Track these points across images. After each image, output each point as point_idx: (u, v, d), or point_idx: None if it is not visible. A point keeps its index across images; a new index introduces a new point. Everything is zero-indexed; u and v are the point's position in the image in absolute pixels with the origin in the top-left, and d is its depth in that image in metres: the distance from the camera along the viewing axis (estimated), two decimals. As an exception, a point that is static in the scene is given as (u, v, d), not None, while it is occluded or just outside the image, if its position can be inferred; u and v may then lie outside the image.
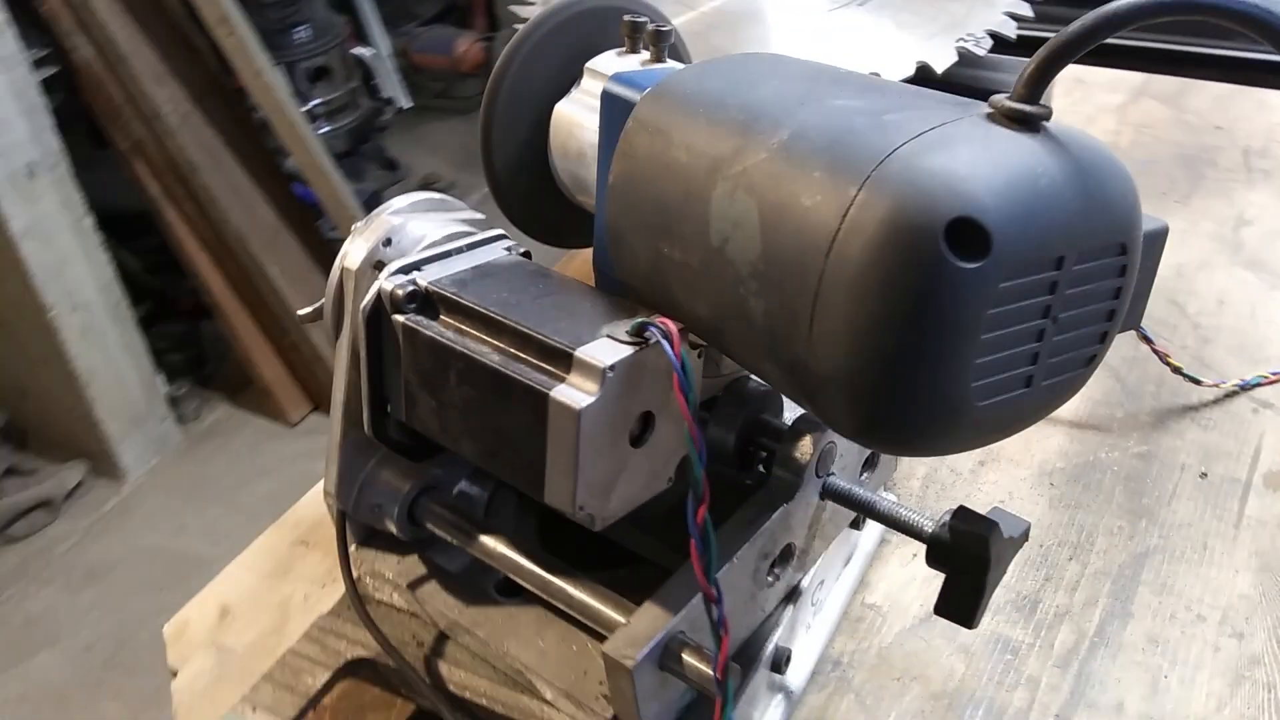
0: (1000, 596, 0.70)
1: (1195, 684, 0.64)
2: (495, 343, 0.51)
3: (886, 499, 0.59)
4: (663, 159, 0.49)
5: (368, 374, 0.55)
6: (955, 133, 0.42)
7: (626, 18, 0.60)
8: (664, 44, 0.59)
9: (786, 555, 0.61)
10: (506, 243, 0.59)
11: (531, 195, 0.63)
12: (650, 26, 0.59)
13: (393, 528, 0.64)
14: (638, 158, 0.50)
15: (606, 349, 0.49)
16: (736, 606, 0.58)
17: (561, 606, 0.58)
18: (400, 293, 0.53)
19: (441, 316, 0.53)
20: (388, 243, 0.56)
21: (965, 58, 0.78)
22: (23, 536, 2.27)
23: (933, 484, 0.78)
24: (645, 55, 0.60)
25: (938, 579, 0.66)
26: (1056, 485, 0.77)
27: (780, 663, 0.61)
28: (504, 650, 0.60)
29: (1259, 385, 0.83)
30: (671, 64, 0.59)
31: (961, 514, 0.56)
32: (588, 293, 0.55)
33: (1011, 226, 0.40)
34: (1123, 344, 0.87)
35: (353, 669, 0.63)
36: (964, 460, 0.80)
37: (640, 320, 0.49)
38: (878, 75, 0.55)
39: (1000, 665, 0.66)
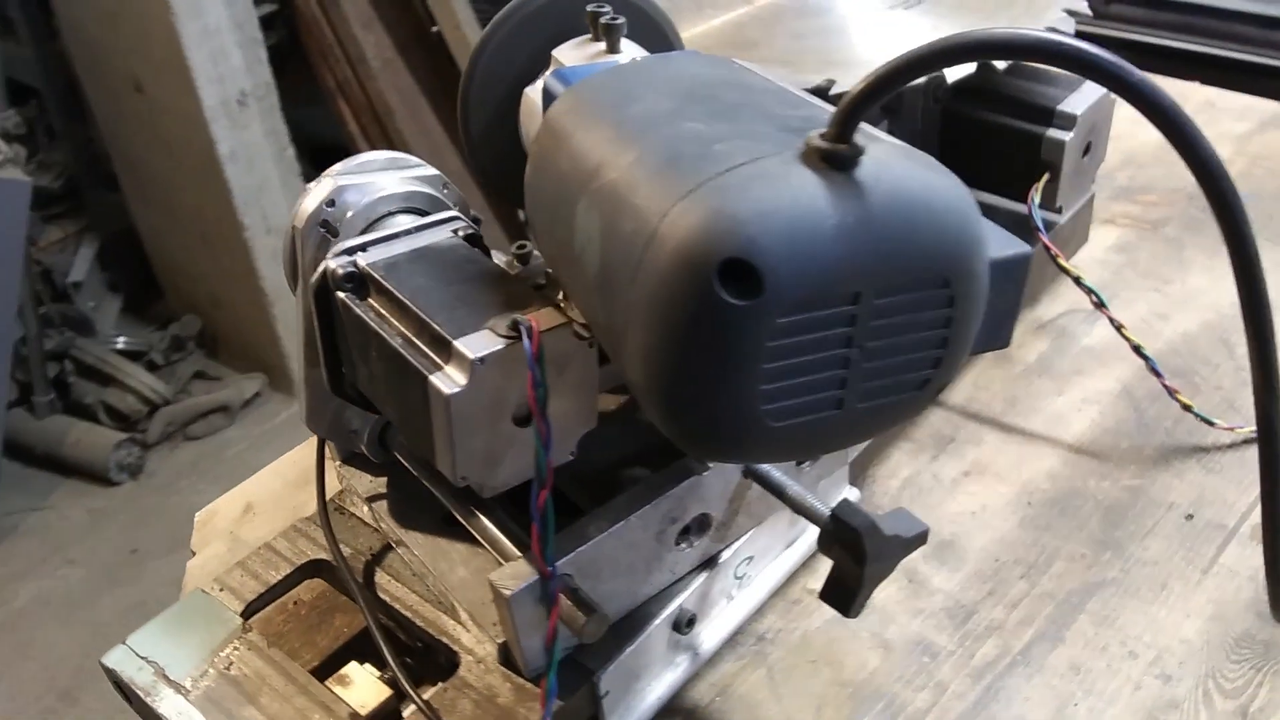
0: (936, 601, 0.71)
1: (1103, 717, 0.64)
2: (401, 327, 0.57)
3: (794, 486, 0.62)
4: (554, 163, 0.53)
5: (321, 340, 0.62)
6: (756, 171, 0.44)
7: (590, 7, 0.64)
8: (614, 37, 0.63)
9: (703, 525, 0.65)
10: (458, 224, 0.63)
11: (502, 165, 0.68)
12: (603, 19, 0.62)
13: (366, 451, 0.71)
14: (541, 157, 0.54)
15: (482, 341, 0.53)
16: (637, 563, 0.62)
17: (479, 538, 0.64)
18: (340, 272, 0.59)
19: (369, 298, 0.59)
20: (331, 203, 0.61)
21: (1010, 66, 0.78)
22: (200, 436, 2.49)
23: (911, 487, 0.79)
24: (602, 46, 0.63)
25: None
26: (1034, 505, 0.77)
27: (682, 623, 0.65)
28: (433, 570, 0.66)
29: (1282, 436, 0.80)
30: (620, 56, 0.63)
31: (844, 507, 0.58)
32: (501, 283, 0.59)
33: (787, 268, 0.42)
34: (1147, 379, 0.85)
35: (316, 569, 0.71)
36: (948, 469, 0.80)
37: (515, 317, 0.54)
38: (779, 86, 0.56)
39: (915, 666, 0.67)
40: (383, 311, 0.58)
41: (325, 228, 0.61)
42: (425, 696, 0.61)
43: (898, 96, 0.87)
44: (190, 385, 2.62)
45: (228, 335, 2.69)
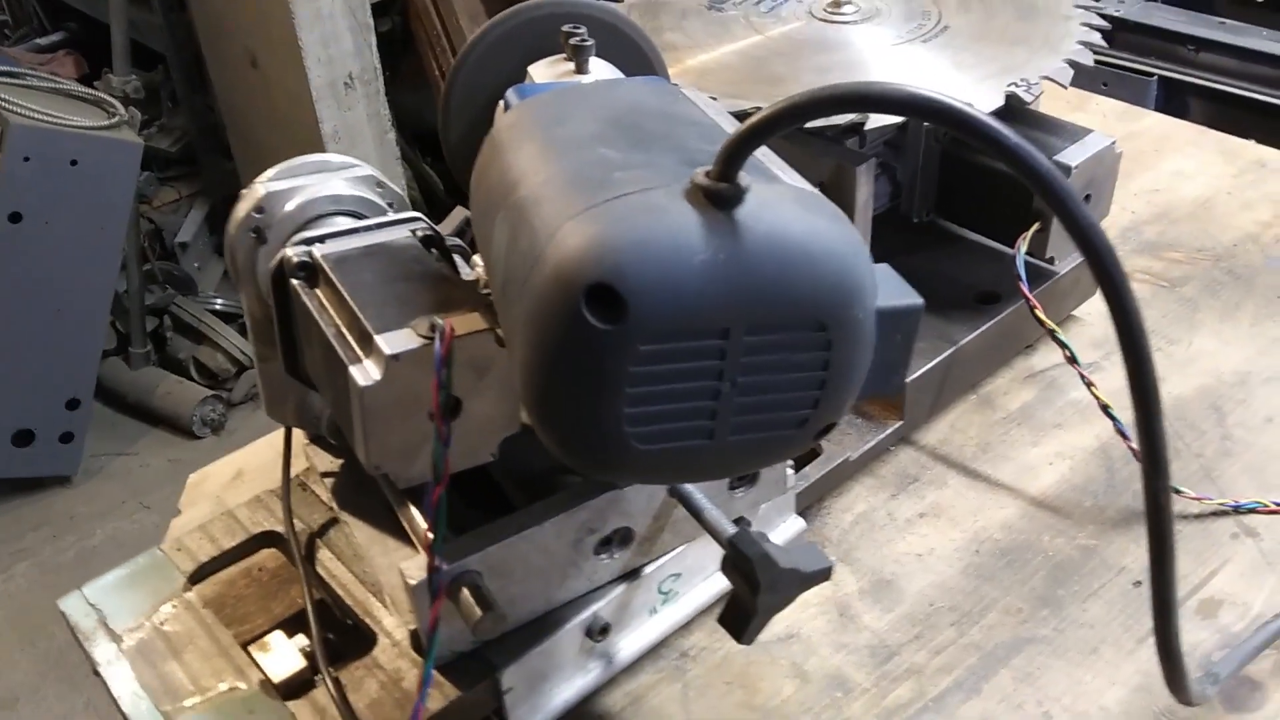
0: (862, 638, 0.71)
1: (1001, 773, 0.63)
2: (337, 318, 0.60)
3: (711, 510, 0.63)
4: (487, 175, 0.55)
5: (279, 323, 0.65)
6: (640, 202, 0.45)
7: (565, 28, 0.66)
8: (582, 57, 0.65)
9: (625, 538, 0.66)
10: (418, 225, 0.66)
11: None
12: (573, 40, 0.65)
13: (325, 434, 0.74)
14: (480, 168, 0.56)
15: (401, 339, 0.56)
16: (551, 567, 0.64)
17: (405, 526, 0.67)
18: (295, 260, 0.62)
19: (318, 287, 0.62)
20: (259, 210, 0.65)
21: (1015, 107, 0.77)
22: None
23: (864, 523, 0.79)
24: (571, 66, 0.66)
25: (815, 605, 0.70)
26: (981, 554, 0.76)
27: (595, 630, 0.67)
28: (366, 553, 0.69)
29: (1253, 511, 0.78)
30: (587, 76, 0.65)
31: (743, 535, 0.59)
32: (442, 286, 0.62)
33: (652, 297, 0.43)
34: (1130, 438, 0.83)
35: (270, 540, 0.75)
36: (905, 508, 0.80)
37: (434, 319, 0.56)
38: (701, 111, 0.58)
39: (827, 700, 0.68)
40: (325, 302, 0.62)
41: (256, 234, 0.64)
42: (336, 673, 0.64)
43: (900, 134, 0.87)
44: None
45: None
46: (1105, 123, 1.24)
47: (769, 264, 0.46)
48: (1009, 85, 0.75)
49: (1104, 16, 0.85)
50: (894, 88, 0.45)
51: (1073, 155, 0.80)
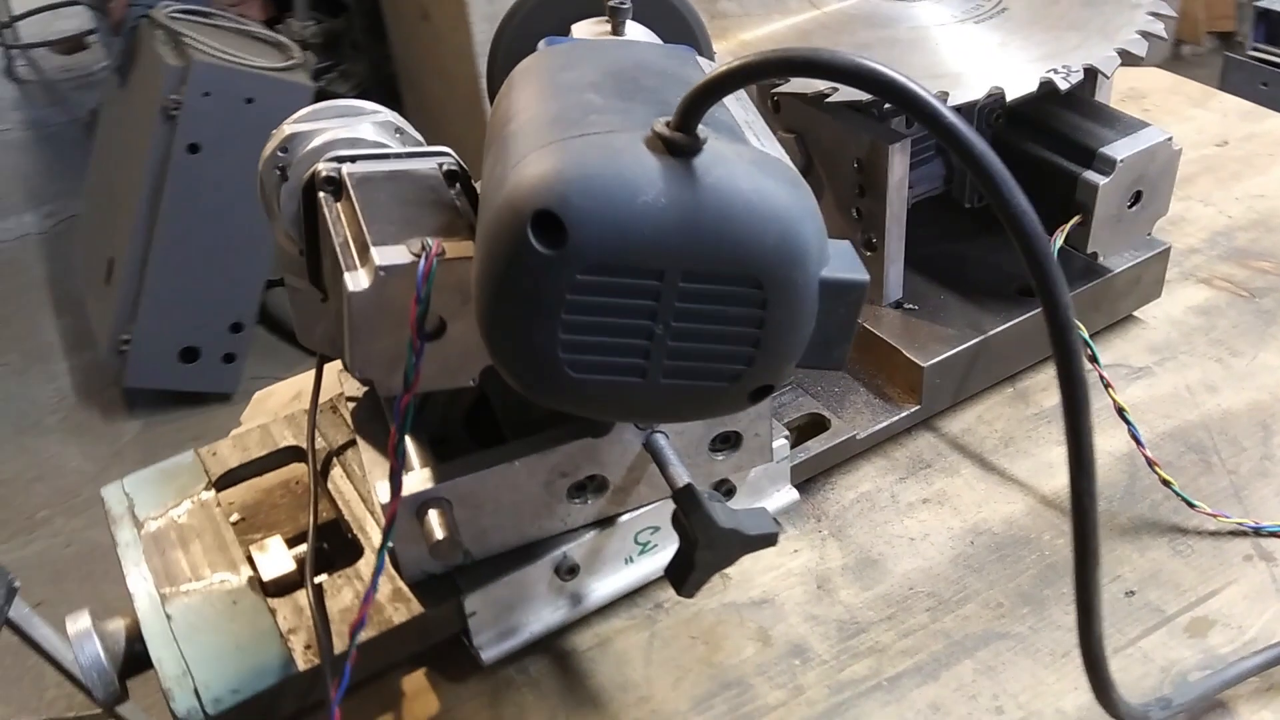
0: (835, 612, 0.72)
1: (938, 759, 0.64)
2: (348, 230, 0.64)
3: (677, 465, 0.65)
4: (496, 110, 0.58)
5: (305, 234, 0.70)
6: (600, 141, 0.49)
7: None
8: (618, 19, 0.67)
9: (601, 486, 0.69)
10: (445, 160, 0.70)
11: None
12: (610, 2, 0.67)
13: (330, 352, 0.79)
14: (495, 105, 0.60)
15: (394, 253, 0.60)
16: (522, 505, 0.67)
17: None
18: (323, 174, 0.67)
19: (339, 201, 0.67)
20: (284, 149, 0.69)
21: (1052, 92, 0.75)
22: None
23: (865, 501, 0.80)
24: (609, 26, 0.68)
25: (796, 575, 0.74)
26: (975, 545, 0.76)
27: (562, 570, 0.70)
28: (368, 474, 0.74)
29: (1275, 535, 0.74)
30: (620, 37, 0.67)
31: (689, 489, 0.61)
32: (447, 213, 0.65)
33: (591, 229, 0.46)
34: (1165, 447, 0.81)
35: (295, 455, 0.80)
36: (910, 492, 0.80)
37: (427, 239, 0.60)
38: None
39: (784, 666, 0.69)
40: (342, 215, 0.66)
41: (280, 171, 0.69)
42: (320, 580, 0.69)
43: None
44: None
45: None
46: (1224, 121, 1.18)
47: (711, 215, 0.48)
48: (1048, 71, 0.73)
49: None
50: (840, 56, 0.46)
51: (1121, 148, 0.78)
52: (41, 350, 2.77)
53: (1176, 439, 0.82)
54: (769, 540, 0.62)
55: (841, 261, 0.53)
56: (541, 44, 0.69)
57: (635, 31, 0.72)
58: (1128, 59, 0.76)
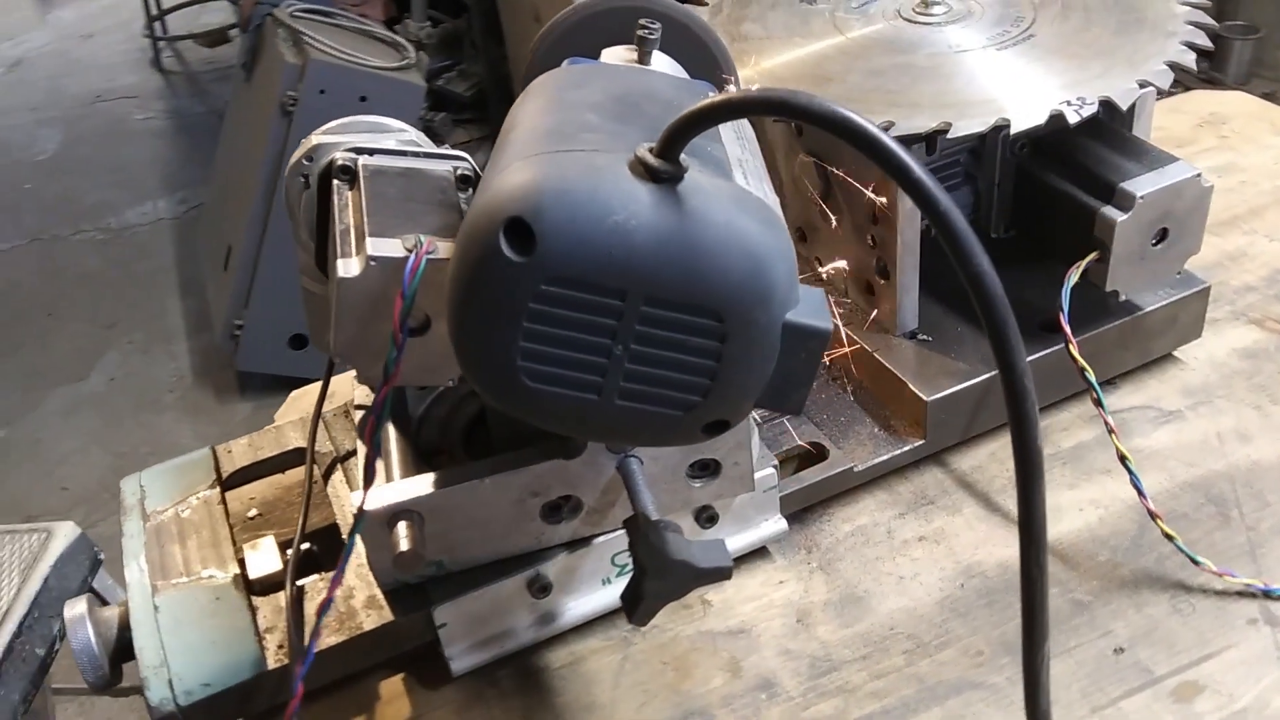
0: (810, 647, 0.71)
1: (889, 807, 0.62)
2: (352, 219, 0.66)
3: (644, 493, 0.65)
4: (507, 120, 0.59)
5: (317, 219, 0.72)
6: (584, 159, 0.50)
7: (642, 20, 0.69)
8: (645, 48, 0.67)
9: (575, 507, 0.70)
10: (461, 164, 0.70)
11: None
12: (640, 32, 0.67)
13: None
14: (508, 114, 0.61)
15: (387, 246, 0.61)
16: (494, 522, 0.68)
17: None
18: (340, 162, 0.68)
19: (351, 190, 0.68)
20: (309, 158, 0.71)
21: (1076, 123, 0.72)
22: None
23: (860, 535, 0.78)
24: (635, 55, 0.68)
25: (778, 606, 0.74)
26: (965, 589, 0.74)
27: (535, 587, 0.71)
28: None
29: (1285, 599, 0.70)
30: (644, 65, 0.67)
31: (641, 519, 0.61)
32: (451, 214, 0.65)
33: (560, 241, 0.47)
34: (1183, 497, 0.77)
35: (301, 458, 0.83)
36: (908, 528, 0.78)
37: (421, 236, 0.61)
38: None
39: (749, 700, 0.69)
40: (350, 204, 0.68)
41: (304, 179, 0.71)
42: (303, 581, 0.71)
43: (981, 144, 0.84)
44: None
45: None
46: (1308, 152, 1.12)
47: (680, 243, 0.48)
48: (1060, 103, 0.70)
49: None
50: (814, 101, 0.47)
51: (1143, 184, 0.74)
52: (165, 331, 2.91)
53: (1197, 489, 0.78)
54: (722, 574, 0.61)
55: (809, 307, 0.52)
56: (566, 63, 0.70)
57: (661, 62, 0.73)
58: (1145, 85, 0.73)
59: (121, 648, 0.70)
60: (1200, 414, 0.84)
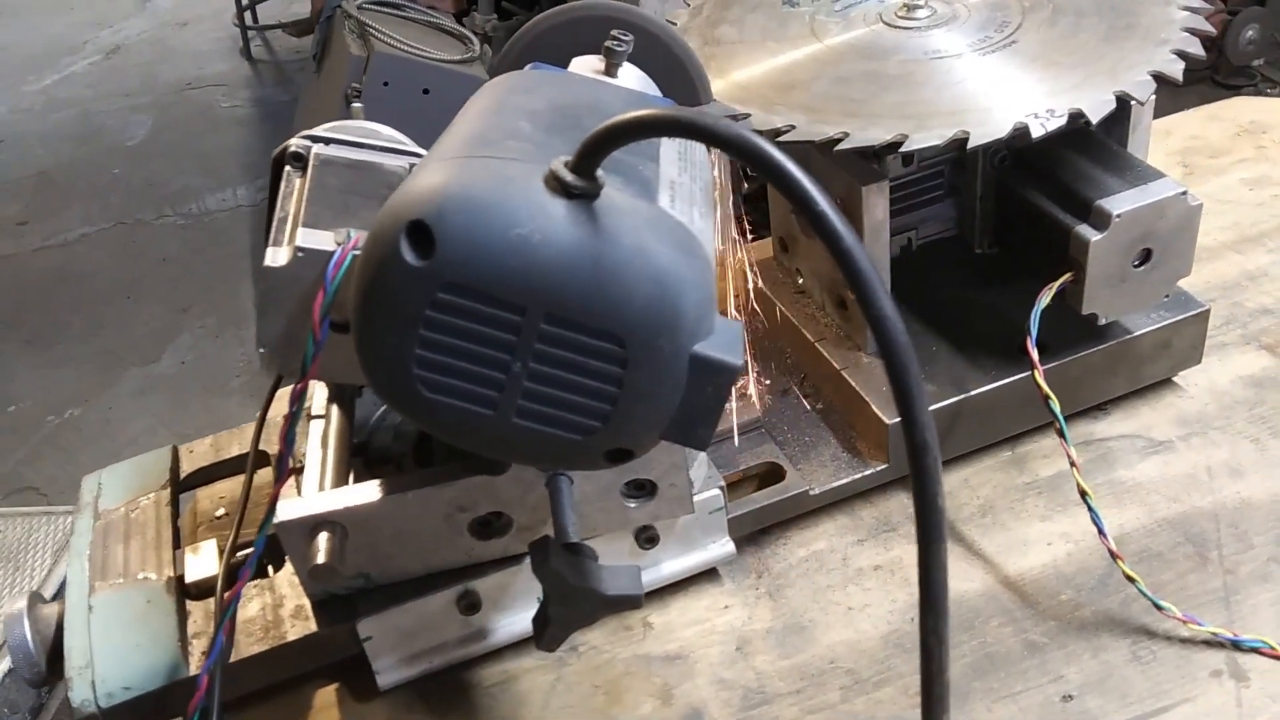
0: (747, 677, 0.69)
1: None
2: (293, 208, 0.65)
3: (567, 514, 0.63)
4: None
5: (268, 204, 0.71)
6: (498, 167, 0.48)
7: (614, 31, 0.67)
8: (612, 60, 0.65)
9: (505, 524, 0.68)
10: (413, 160, 0.70)
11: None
12: (608, 43, 0.66)
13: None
14: None
15: (317, 238, 0.61)
16: (422, 536, 0.67)
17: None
18: (293, 149, 0.68)
19: (300, 178, 0.68)
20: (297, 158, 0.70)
21: (1023, 136, 0.68)
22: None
23: (813, 561, 0.75)
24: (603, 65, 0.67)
25: (719, 633, 0.72)
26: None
27: (463, 604, 0.69)
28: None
29: (1255, 651, 0.65)
30: (614, 80, 0.66)
31: (543, 544, 0.59)
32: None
33: (460, 249, 0.46)
34: (1160, 535, 0.73)
35: (262, 460, 0.83)
36: (865, 556, 0.75)
37: (351, 230, 0.60)
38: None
39: (675, 729, 0.67)
40: (295, 192, 0.67)
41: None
42: (237, 587, 0.71)
43: (963, 155, 0.80)
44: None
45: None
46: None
47: (584, 263, 0.47)
48: (1027, 115, 0.66)
49: None
50: (721, 125, 0.44)
51: (1121, 202, 0.70)
52: (236, 316, 2.98)
53: (1176, 527, 0.73)
54: (632, 603, 0.59)
55: (722, 340, 0.50)
56: (529, 66, 0.68)
57: (630, 76, 0.71)
58: (1124, 100, 0.68)
59: (58, 646, 0.71)
60: (1192, 445, 0.79)
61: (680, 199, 0.55)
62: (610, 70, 0.69)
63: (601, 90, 0.64)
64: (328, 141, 0.68)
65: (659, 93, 0.72)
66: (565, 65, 0.72)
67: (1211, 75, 3.35)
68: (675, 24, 0.83)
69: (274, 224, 0.64)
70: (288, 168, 0.68)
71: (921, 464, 0.46)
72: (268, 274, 0.60)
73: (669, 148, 0.60)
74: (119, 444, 2.62)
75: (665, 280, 0.47)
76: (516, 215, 0.46)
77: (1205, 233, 0.95)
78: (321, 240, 0.60)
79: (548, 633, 0.60)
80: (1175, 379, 0.83)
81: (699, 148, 0.64)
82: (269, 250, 0.61)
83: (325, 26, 2.72)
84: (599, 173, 0.47)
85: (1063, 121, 0.66)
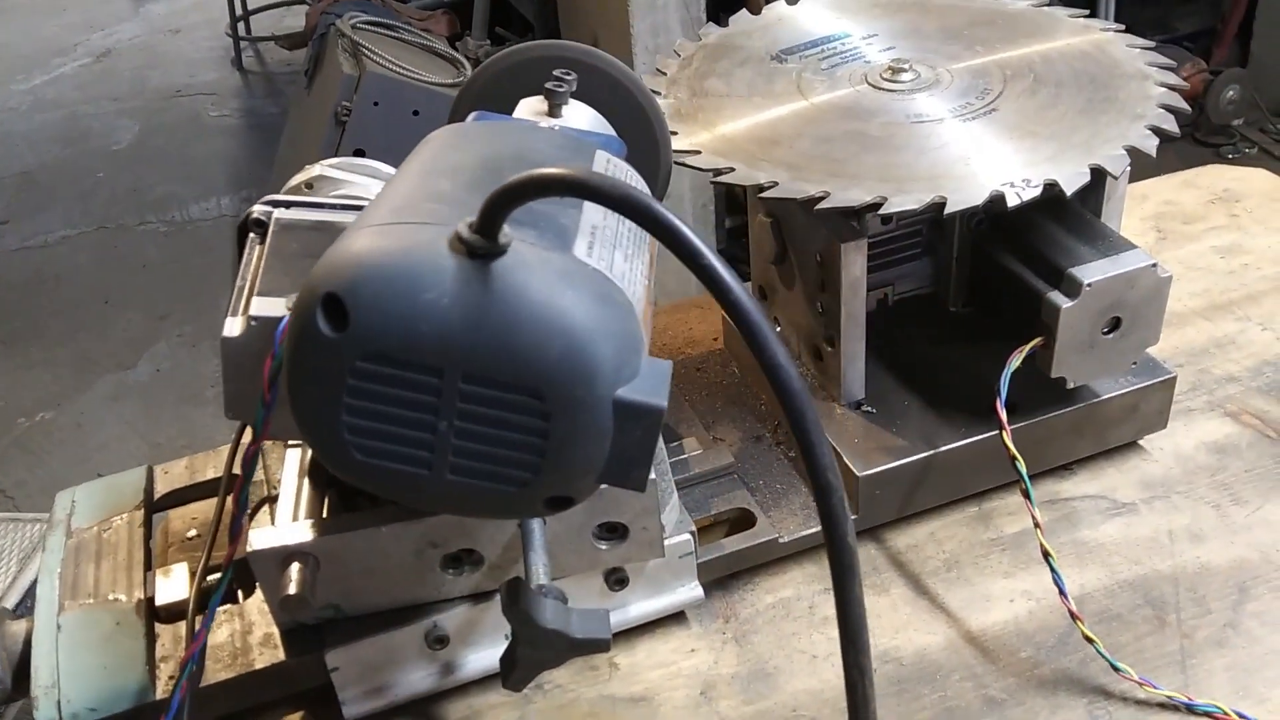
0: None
1: None
2: (252, 276, 0.66)
3: (537, 554, 0.64)
4: None
5: (233, 269, 0.72)
6: (410, 232, 0.49)
7: (556, 71, 0.68)
8: (553, 101, 0.67)
9: (477, 561, 0.69)
10: None
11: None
12: (547, 84, 0.67)
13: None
14: None
15: (270, 305, 0.62)
16: (392, 571, 0.68)
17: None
18: (254, 216, 0.69)
19: (260, 244, 0.69)
20: (309, 185, 0.72)
21: (998, 204, 0.69)
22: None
23: (780, 608, 0.76)
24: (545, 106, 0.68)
25: (684, 676, 0.73)
26: (878, 674, 0.70)
27: (431, 639, 0.70)
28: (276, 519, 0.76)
29: (1209, 715, 0.66)
30: (558, 120, 0.67)
31: (515, 585, 0.60)
32: None
33: (373, 319, 0.47)
34: (1121, 597, 0.74)
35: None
36: (827, 605, 0.73)
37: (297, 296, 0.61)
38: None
39: (636, 771, 0.67)
40: (254, 259, 0.68)
41: None
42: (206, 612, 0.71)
43: (940, 216, 0.81)
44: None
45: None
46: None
47: (493, 321, 0.47)
48: (1003, 184, 0.68)
49: None
50: (611, 185, 0.46)
51: (1092, 271, 0.71)
52: (214, 326, 2.92)
53: (1136, 589, 0.75)
54: (599, 646, 0.60)
55: (647, 383, 0.51)
56: (471, 117, 0.70)
57: (580, 114, 0.72)
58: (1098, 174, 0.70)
59: (25, 663, 0.71)
60: (1155, 509, 0.80)
61: (602, 243, 0.55)
62: (553, 111, 0.71)
63: (534, 137, 0.65)
64: (289, 205, 0.69)
65: (610, 130, 0.73)
66: (513, 108, 0.73)
67: (1192, 134, 3.40)
68: (665, 74, 0.85)
69: (234, 293, 0.64)
70: (251, 235, 0.69)
71: (828, 504, 0.48)
72: (225, 345, 0.61)
73: None
74: (89, 449, 2.61)
75: (576, 330, 0.48)
76: (424, 281, 0.47)
77: (1176, 299, 0.98)
78: (273, 307, 0.61)
79: (515, 673, 0.61)
80: (1141, 442, 0.85)
81: (634, 183, 0.65)
82: (226, 321, 0.61)
83: (319, 43, 2.74)
84: (506, 228, 0.48)
85: (1037, 192, 0.68)
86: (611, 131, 0.70)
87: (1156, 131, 0.72)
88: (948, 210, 0.67)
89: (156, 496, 0.81)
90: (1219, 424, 0.87)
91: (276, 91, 4.16)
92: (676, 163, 0.76)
